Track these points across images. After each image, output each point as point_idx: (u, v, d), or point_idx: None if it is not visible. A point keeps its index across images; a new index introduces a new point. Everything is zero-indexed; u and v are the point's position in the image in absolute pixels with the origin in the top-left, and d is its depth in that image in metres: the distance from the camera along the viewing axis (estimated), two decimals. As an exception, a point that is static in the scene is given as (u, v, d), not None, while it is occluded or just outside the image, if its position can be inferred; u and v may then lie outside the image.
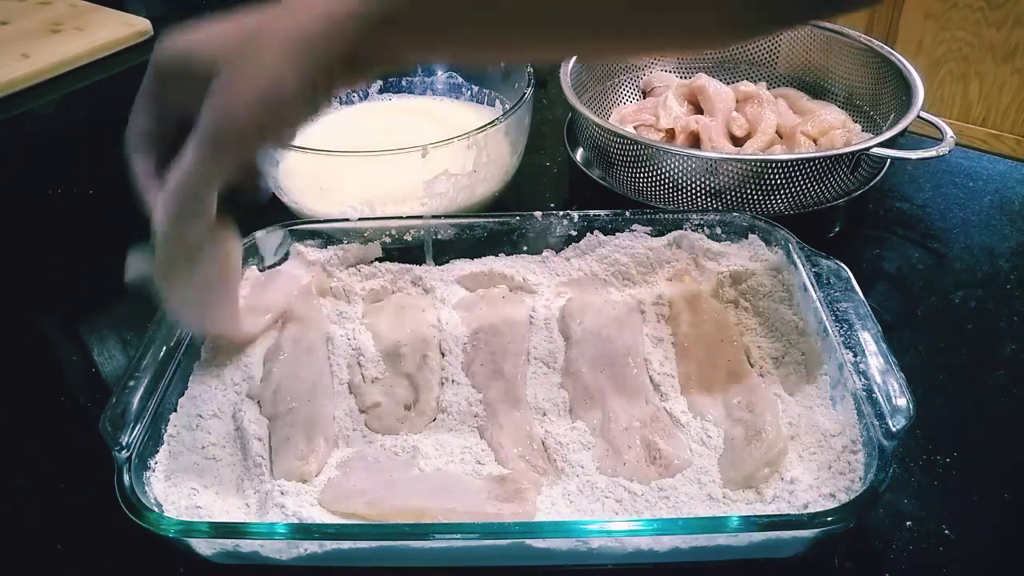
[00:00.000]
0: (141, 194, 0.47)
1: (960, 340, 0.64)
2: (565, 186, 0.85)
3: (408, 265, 0.66)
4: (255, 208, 0.52)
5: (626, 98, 0.91)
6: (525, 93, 0.74)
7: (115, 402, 0.50)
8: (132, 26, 1.17)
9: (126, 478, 0.47)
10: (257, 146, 0.46)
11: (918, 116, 0.72)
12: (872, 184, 0.75)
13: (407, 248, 0.66)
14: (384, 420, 0.55)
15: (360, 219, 0.66)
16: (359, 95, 0.88)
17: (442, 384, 0.57)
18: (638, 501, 0.49)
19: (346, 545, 0.45)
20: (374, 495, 0.48)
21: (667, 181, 0.73)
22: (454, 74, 0.88)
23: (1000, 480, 0.54)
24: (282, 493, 0.48)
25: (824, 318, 0.55)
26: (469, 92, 0.87)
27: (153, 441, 0.51)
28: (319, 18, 0.41)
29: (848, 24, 0.84)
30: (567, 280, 0.65)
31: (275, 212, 0.74)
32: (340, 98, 0.87)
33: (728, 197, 0.72)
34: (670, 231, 0.65)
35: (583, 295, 0.63)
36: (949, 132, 0.72)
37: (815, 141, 0.77)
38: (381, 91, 0.89)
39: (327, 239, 0.66)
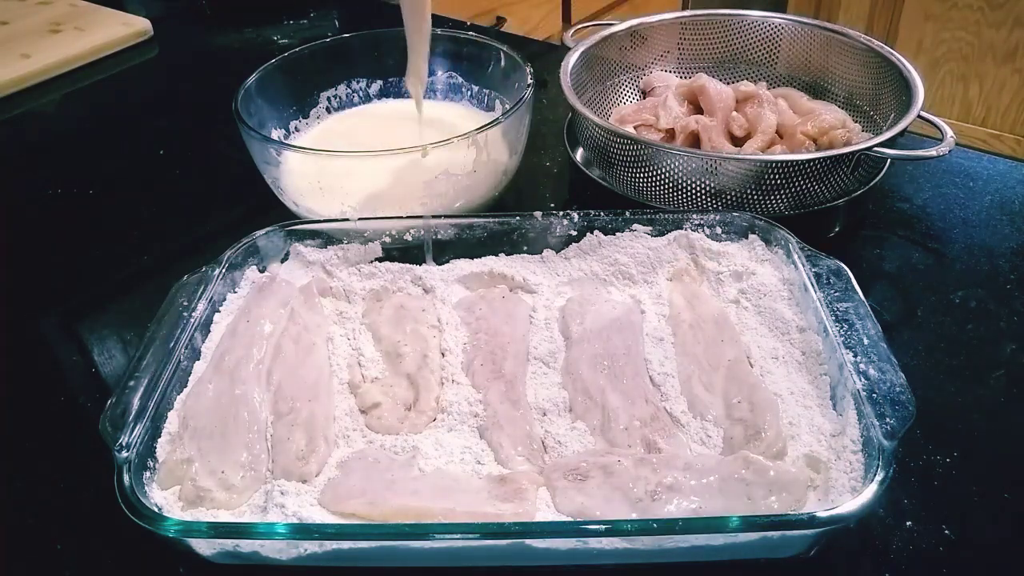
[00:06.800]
0: None
1: (960, 340, 0.64)
2: (565, 186, 0.85)
3: (408, 265, 0.66)
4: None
5: (626, 98, 0.91)
6: (525, 93, 0.74)
7: (115, 402, 0.50)
8: (132, 26, 1.18)
9: (126, 478, 0.47)
10: None
11: (918, 116, 0.72)
12: (872, 184, 0.75)
13: (407, 248, 0.66)
14: (384, 420, 0.55)
15: (360, 219, 0.66)
16: (359, 97, 0.88)
17: (442, 384, 0.57)
18: (638, 501, 0.49)
19: (346, 545, 0.46)
20: (374, 495, 0.48)
21: (667, 181, 0.73)
22: (454, 74, 0.87)
23: (1000, 480, 0.54)
24: (282, 493, 0.48)
25: (824, 318, 0.55)
26: (469, 92, 0.87)
27: (153, 441, 0.51)
28: None
29: (848, 24, 0.84)
30: (567, 280, 0.65)
31: (275, 212, 0.74)
32: (340, 100, 0.87)
33: (728, 197, 0.72)
34: (670, 231, 0.65)
35: (583, 295, 0.63)
36: (949, 132, 0.72)
37: (815, 141, 0.77)
38: (380, 95, 0.89)
39: (327, 239, 0.66)
